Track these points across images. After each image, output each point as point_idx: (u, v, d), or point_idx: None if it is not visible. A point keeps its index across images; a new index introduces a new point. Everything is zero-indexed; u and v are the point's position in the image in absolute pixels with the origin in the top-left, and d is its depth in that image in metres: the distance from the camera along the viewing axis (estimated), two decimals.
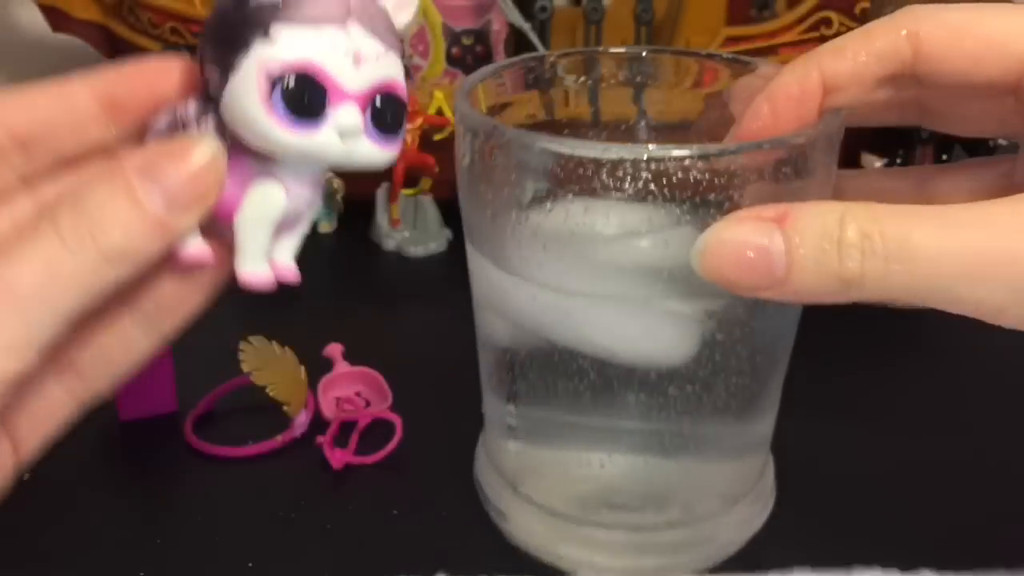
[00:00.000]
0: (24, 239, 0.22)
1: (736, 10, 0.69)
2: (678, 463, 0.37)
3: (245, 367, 0.45)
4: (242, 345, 0.45)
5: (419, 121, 0.65)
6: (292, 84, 0.23)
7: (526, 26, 0.67)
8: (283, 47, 0.24)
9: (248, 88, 0.23)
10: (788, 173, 0.31)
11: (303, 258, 0.28)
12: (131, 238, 0.23)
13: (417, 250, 0.66)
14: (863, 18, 0.64)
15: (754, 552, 0.39)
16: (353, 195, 0.68)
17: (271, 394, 0.45)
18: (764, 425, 0.39)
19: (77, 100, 0.26)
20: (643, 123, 0.41)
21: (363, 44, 0.25)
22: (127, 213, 0.23)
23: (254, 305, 0.63)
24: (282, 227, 0.26)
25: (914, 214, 0.26)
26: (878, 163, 0.64)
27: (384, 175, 0.67)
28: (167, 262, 0.26)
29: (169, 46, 0.66)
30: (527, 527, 0.39)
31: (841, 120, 0.32)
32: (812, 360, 0.41)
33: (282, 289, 0.26)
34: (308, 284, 0.63)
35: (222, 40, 0.24)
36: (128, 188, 0.23)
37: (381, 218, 0.67)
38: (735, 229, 0.27)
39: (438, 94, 0.66)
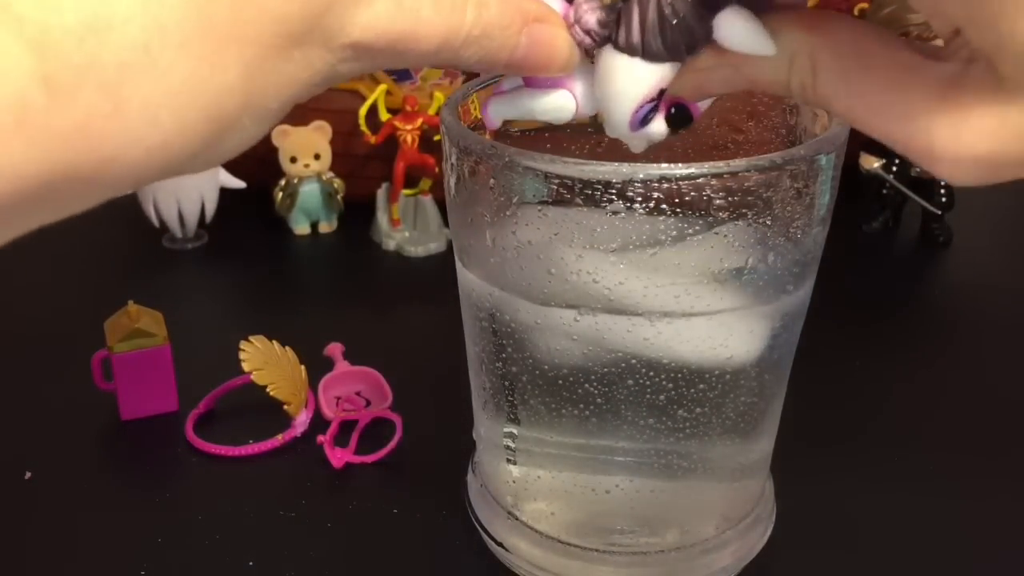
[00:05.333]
0: None
1: None
2: (683, 486, 0.36)
3: (246, 367, 0.45)
4: (242, 345, 0.45)
5: (419, 121, 0.65)
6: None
7: None
8: None
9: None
10: (800, 187, 0.31)
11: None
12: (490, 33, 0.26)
13: (417, 250, 0.66)
14: (862, 18, 0.64)
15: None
16: (353, 195, 0.68)
17: (272, 394, 0.46)
18: (766, 444, 0.38)
19: None
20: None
21: None
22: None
23: (254, 305, 0.63)
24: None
25: None
26: (876, 163, 0.64)
27: (384, 175, 0.67)
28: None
29: None
30: (526, 554, 0.38)
31: (846, 130, 0.32)
32: (812, 378, 0.41)
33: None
34: (308, 284, 0.64)
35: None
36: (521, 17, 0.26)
37: (381, 218, 0.67)
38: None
39: (438, 94, 0.67)
